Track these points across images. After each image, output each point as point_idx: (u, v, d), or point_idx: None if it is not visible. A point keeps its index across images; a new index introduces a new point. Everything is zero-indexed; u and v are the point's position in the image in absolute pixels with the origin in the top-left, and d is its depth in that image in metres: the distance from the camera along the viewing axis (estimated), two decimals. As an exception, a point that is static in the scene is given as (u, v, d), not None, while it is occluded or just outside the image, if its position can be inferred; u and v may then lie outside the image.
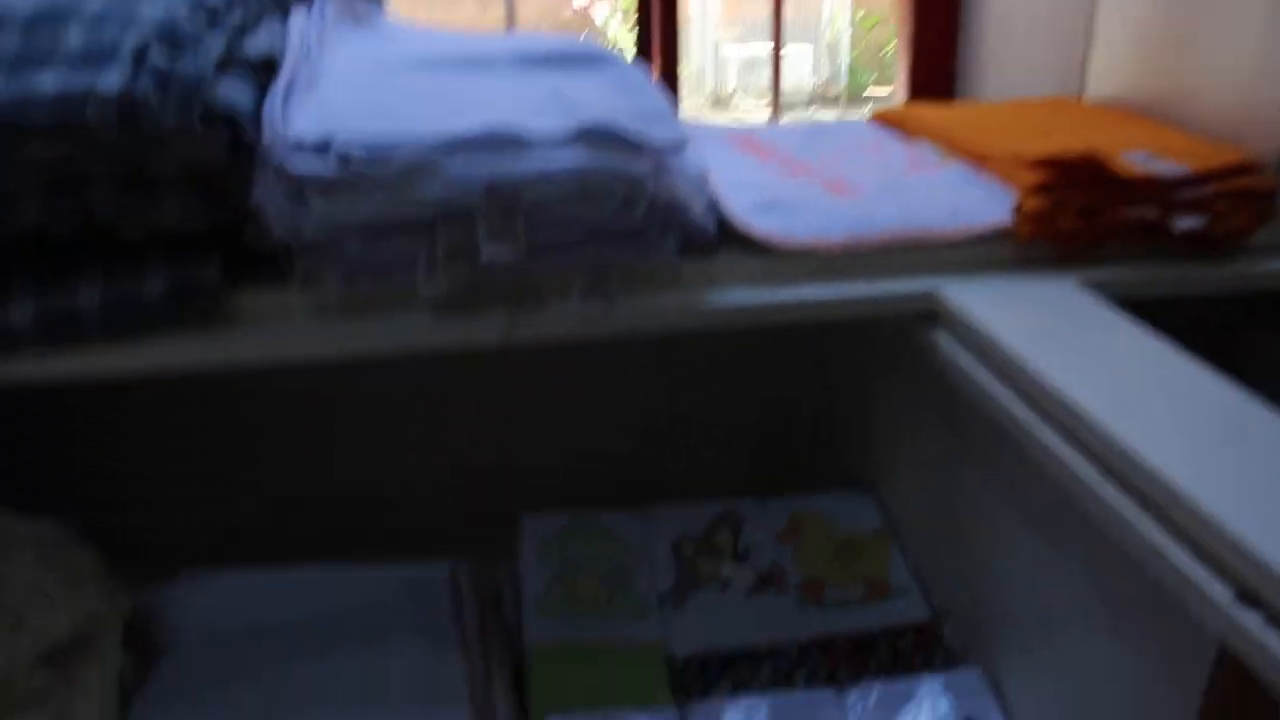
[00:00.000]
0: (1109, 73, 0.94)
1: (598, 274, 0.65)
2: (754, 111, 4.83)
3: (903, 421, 0.83)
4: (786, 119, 3.19)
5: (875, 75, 5.03)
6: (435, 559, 0.77)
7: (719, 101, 5.00)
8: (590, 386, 0.94)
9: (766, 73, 3.29)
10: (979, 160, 0.81)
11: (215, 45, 0.61)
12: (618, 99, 0.66)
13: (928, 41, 1.23)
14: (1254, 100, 0.77)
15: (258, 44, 0.66)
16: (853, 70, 5.15)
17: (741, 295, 0.67)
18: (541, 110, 0.63)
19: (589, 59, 0.72)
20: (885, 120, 0.94)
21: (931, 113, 0.93)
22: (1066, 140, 0.76)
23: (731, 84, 4.99)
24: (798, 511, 0.82)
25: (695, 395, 0.97)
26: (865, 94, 5.03)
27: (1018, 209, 0.74)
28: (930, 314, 0.70)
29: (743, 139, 0.87)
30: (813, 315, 0.68)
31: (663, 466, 0.92)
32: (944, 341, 0.68)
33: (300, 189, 0.59)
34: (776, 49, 1.64)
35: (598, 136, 0.61)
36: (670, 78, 1.27)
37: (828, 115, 4.77)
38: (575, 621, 0.72)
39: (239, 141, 0.59)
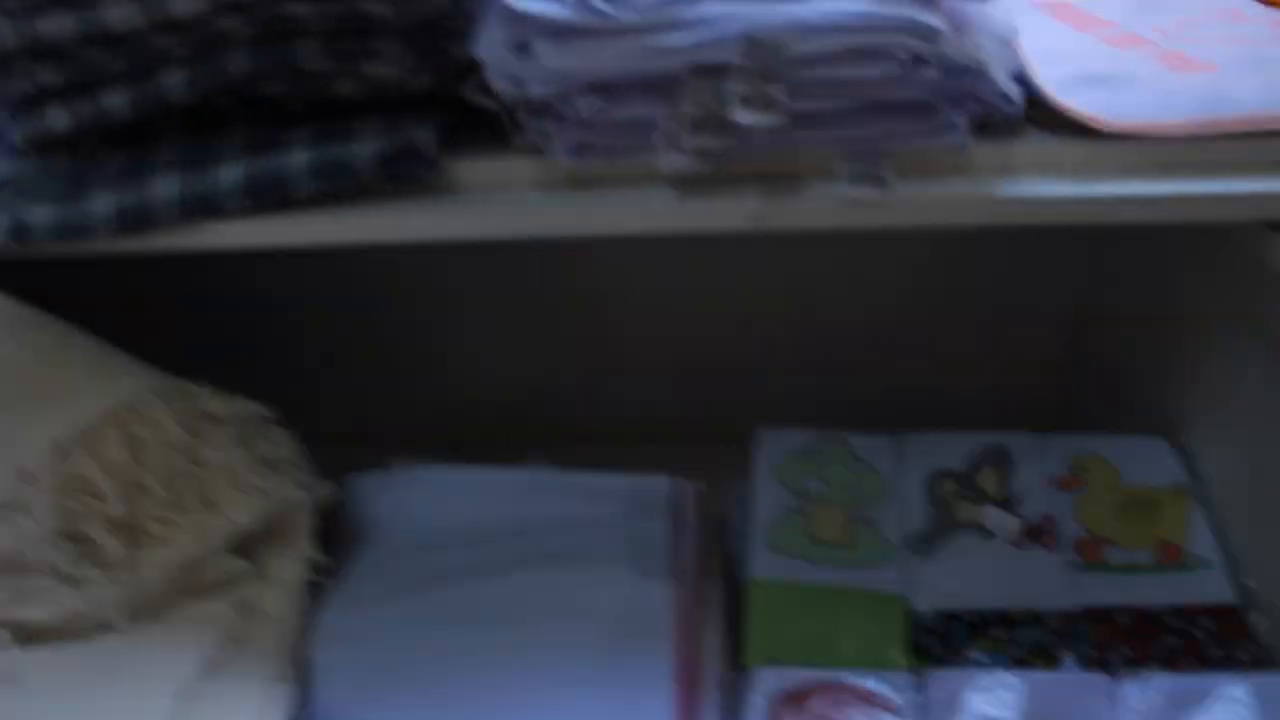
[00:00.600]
0: None
1: (871, 153, 0.53)
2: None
3: (1223, 356, 0.68)
4: None
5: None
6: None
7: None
8: (840, 280, 0.83)
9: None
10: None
11: None
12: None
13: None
14: None
15: None
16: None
17: (1048, 187, 0.54)
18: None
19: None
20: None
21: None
22: None
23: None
24: (1081, 454, 0.68)
25: (965, 304, 0.84)
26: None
27: None
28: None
29: (1053, 3, 0.71)
30: (1137, 216, 0.54)
31: (920, 387, 0.80)
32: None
33: (526, 34, 0.50)
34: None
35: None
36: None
37: None
38: (808, 559, 0.63)
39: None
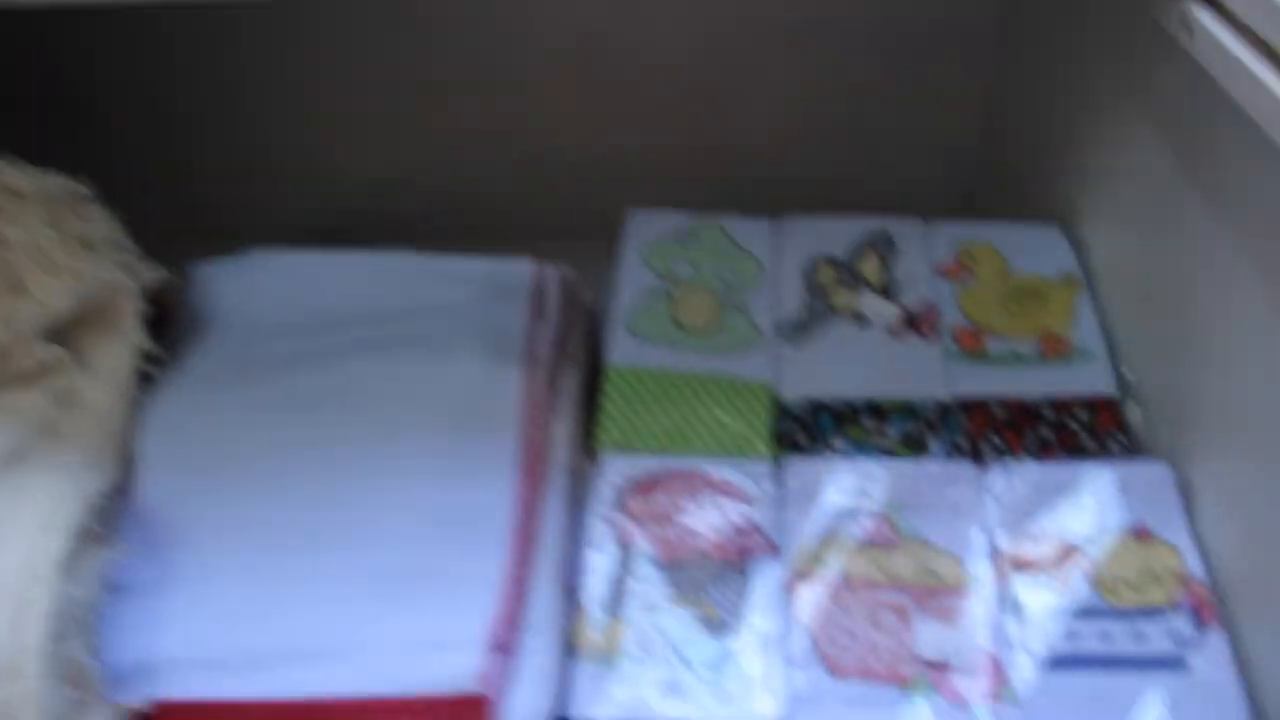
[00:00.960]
0: None
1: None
2: None
3: (1118, 141, 0.63)
4: None
5: None
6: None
7: None
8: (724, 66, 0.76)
9: None
10: None
11: None
12: None
13: None
14: None
15: None
16: None
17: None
18: None
19: None
20: None
21: None
22: None
23: None
24: (968, 241, 0.64)
25: (851, 81, 0.78)
26: None
27: None
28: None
29: None
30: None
31: (812, 176, 0.75)
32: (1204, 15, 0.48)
33: None
34: None
35: None
36: None
37: None
38: (671, 345, 0.59)
39: None
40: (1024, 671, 0.48)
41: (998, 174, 0.80)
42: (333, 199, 0.84)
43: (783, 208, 0.67)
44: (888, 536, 0.52)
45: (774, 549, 0.51)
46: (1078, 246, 0.65)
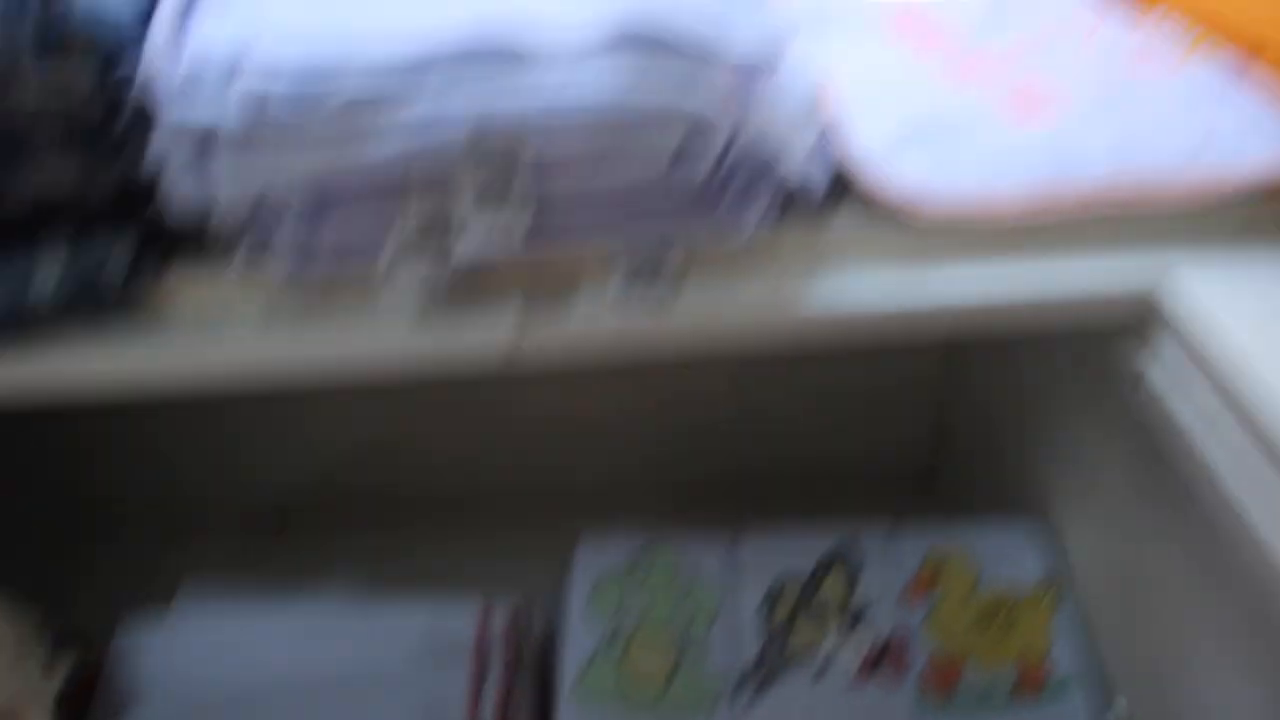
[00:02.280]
0: None
1: (646, 258, 0.45)
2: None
3: (1091, 442, 0.60)
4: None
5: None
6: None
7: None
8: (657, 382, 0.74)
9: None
10: (1251, 50, 0.54)
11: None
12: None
13: None
14: None
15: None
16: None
17: (867, 286, 0.46)
18: (560, 8, 0.41)
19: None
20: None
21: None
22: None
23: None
24: (937, 549, 0.60)
25: (822, 378, 0.76)
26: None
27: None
28: (1141, 323, 0.46)
29: (896, 16, 0.62)
30: (967, 324, 0.46)
31: (772, 471, 0.72)
32: (1159, 374, 0.45)
33: (203, 141, 0.40)
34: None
35: (641, 46, 0.40)
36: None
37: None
38: (622, 707, 0.54)
39: (109, 72, 0.41)
40: None
41: (963, 464, 0.76)
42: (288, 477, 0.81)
43: (752, 506, 0.63)
44: None
45: None
46: (1052, 539, 0.61)
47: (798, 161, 0.44)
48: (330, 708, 0.54)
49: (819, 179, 0.46)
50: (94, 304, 0.45)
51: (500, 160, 0.40)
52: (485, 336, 0.44)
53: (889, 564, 0.59)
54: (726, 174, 0.42)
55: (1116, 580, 0.56)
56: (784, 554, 0.59)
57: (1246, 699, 0.43)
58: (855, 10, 0.64)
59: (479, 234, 0.41)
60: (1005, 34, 0.60)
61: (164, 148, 0.41)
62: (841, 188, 0.48)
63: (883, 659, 0.56)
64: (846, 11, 0.64)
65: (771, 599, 0.58)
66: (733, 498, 0.65)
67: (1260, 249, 0.46)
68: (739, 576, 0.59)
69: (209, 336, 0.45)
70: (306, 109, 0.39)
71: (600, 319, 0.44)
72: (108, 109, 0.41)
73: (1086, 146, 0.48)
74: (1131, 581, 0.54)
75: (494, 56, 0.40)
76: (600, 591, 0.58)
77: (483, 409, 0.78)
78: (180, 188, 0.42)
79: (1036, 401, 0.63)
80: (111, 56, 0.41)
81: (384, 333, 0.44)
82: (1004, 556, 0.59)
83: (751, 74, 0.42)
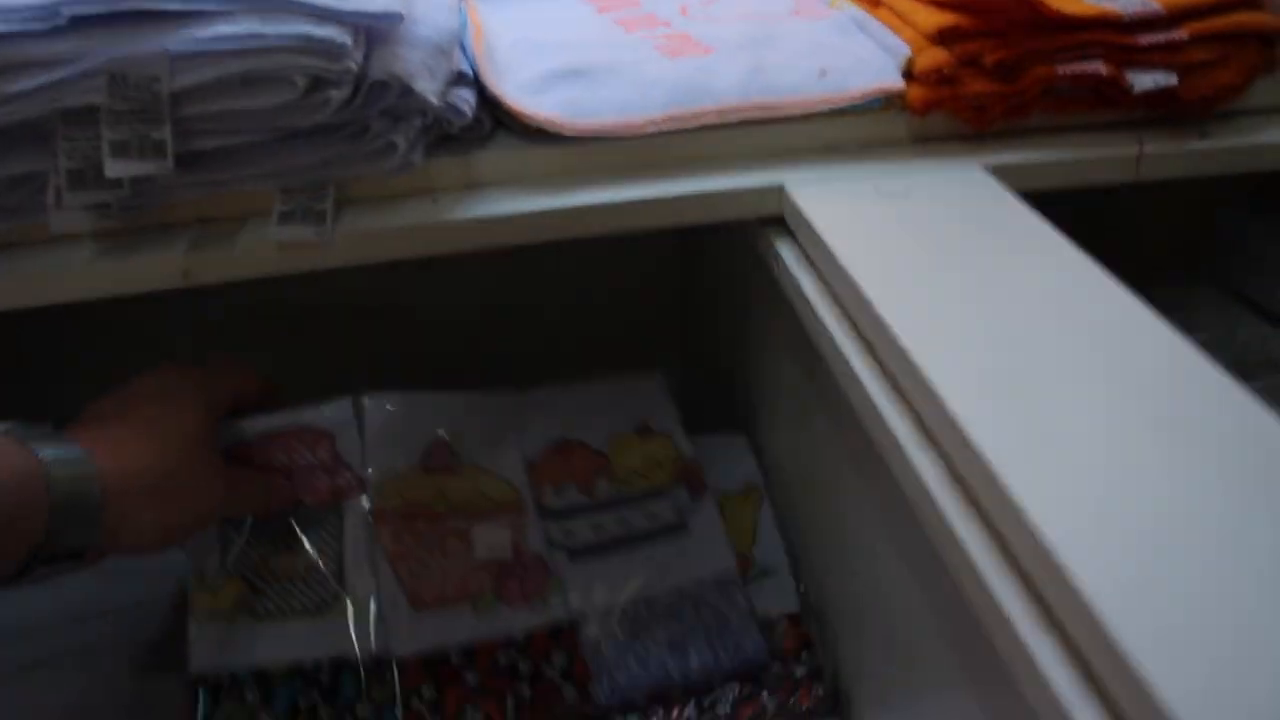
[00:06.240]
0: None
1: (306, 185, 0.48)
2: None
3: (766, 352, 0.66)
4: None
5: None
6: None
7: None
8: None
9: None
10: (872, 4, 0.62)
11: None
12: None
13: None
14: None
15: None
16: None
17: (512, 202, 0.50)
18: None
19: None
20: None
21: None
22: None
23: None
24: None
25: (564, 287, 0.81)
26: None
27: (909, 66, 0.55)
28: (776, 217, 0.52)
29: (590, -16, 0.67)
30: (609, 225, 0.51)
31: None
32: (789, 254, 0.51)
33: None
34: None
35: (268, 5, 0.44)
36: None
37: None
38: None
39: None
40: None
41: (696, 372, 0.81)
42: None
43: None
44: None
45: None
46: (759, 453, 0.66)
47: (432, 94, 0.48)
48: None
49: (464, 111, 0.50)
50: None
51: (138, 93, 0.44)
52: (161, 261, 0.47)
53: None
54: (364, 102, 0.46)
55: (804, 482, 0.61)
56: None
57: (899, 572, 0.48)
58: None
59: (114, 171, 0.44)
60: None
61: None
62: (497, 123, 0.53)
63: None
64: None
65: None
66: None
67: (877, 159, 0.54)
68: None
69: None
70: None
71: (260, 247, 0.48)
72: None
73: (722, 74, 0.54)
74: (812, 483, 0.60)
75: (126, 13, 0.43)
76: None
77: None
78: None
79: (727, 321, 0.69)
80: None
81: (63, 264, 0.47)
82: (718, 461, 0.64)
83: (376, 27, 0.46)
